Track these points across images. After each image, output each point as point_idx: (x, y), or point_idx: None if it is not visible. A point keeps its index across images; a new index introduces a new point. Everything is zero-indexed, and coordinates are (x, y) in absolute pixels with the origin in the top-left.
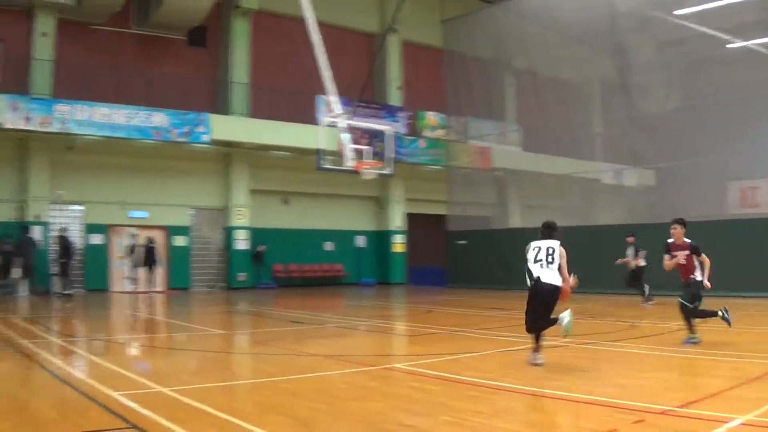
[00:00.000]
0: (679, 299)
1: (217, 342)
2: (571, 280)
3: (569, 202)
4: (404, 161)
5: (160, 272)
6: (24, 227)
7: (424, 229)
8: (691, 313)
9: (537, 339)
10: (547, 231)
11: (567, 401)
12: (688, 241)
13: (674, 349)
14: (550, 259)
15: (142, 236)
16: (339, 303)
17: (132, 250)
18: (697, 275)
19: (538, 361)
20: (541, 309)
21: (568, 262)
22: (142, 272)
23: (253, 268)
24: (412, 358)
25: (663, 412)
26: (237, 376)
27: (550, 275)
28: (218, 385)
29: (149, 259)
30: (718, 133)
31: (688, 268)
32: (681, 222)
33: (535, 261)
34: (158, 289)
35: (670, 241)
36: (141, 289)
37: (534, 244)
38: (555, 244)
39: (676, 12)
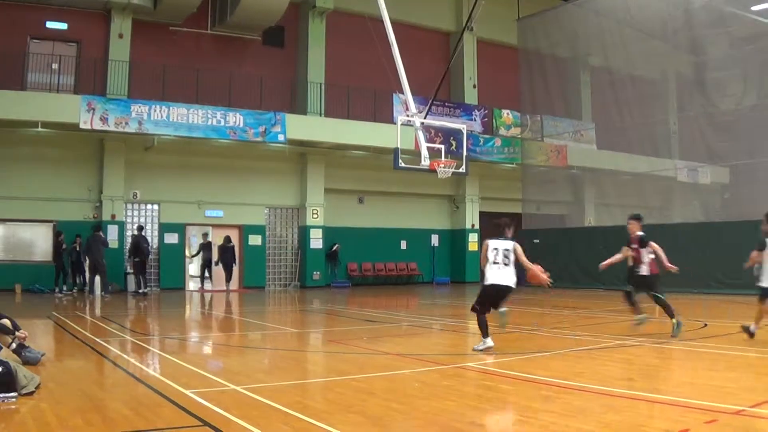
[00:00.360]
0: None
1: (290, 340)
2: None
3: (645, 201)
4: (480, 160)
5: (235, 271)
6: (93, 226)
7: None
8: (628, 298)
9: (487, 326)
10: (500, 230)
11: (640, 401)
12: (639, 234)
13: (746, 348)
14: (506, 261)
15: (219, 236)
16: (413, 302)
17: (204, 248)
18: (642, 269)
19: (490, 345)
20: (490, 302)
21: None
22: (215, 271)
23: (327, 267)
24: (485, 357)
25: (736, 412)
26: (310, 374)
27: (504, 277)
28: (291, 383)
29: (227, 258)
30: None
31: (636, 261)
32: (634, 217)
33: (494, 263)
34: (233, 287)
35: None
36: (217, 288)
37: (492, 244)
38: (510, 245)
39: (753, 8)
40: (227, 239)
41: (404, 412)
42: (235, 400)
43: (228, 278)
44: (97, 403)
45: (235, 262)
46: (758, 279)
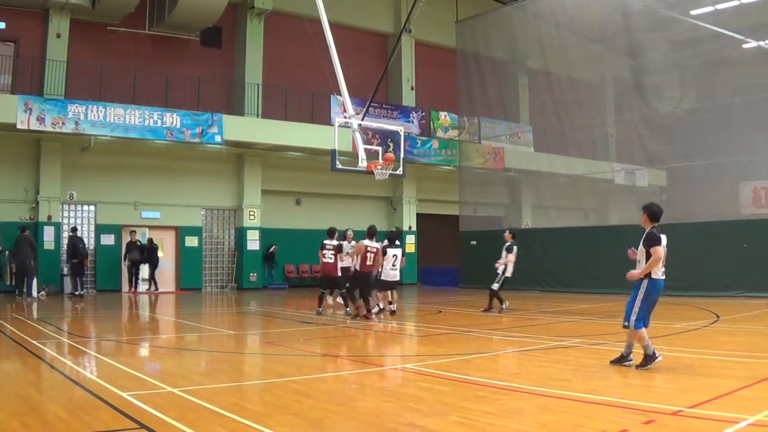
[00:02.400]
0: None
1: (227, 342)
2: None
3: (582, 203)
4: (417, 161)
5: (164, 273)
6: (20, 227)
7: (435, 230)
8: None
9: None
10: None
11: (577, 402)
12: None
13: (685, 349)
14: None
15: (155, 237)
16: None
17: (130, 248)
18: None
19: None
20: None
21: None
22: (144, 272)
23: (264, 269)
24: (423, 359)
25: (674, 413)
26: (247, 376)
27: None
28: (228, 385)
29: (153, 259)
30: (731, 133)
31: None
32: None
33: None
34: (170, 289)
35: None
36: (152, 289)
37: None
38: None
39: (692, 12)
40: (150, 240)
41: (342, 413)
42: (172, 403)
43: (153, 279)
44: (34, 406)
45: (157, 263)
46: None
